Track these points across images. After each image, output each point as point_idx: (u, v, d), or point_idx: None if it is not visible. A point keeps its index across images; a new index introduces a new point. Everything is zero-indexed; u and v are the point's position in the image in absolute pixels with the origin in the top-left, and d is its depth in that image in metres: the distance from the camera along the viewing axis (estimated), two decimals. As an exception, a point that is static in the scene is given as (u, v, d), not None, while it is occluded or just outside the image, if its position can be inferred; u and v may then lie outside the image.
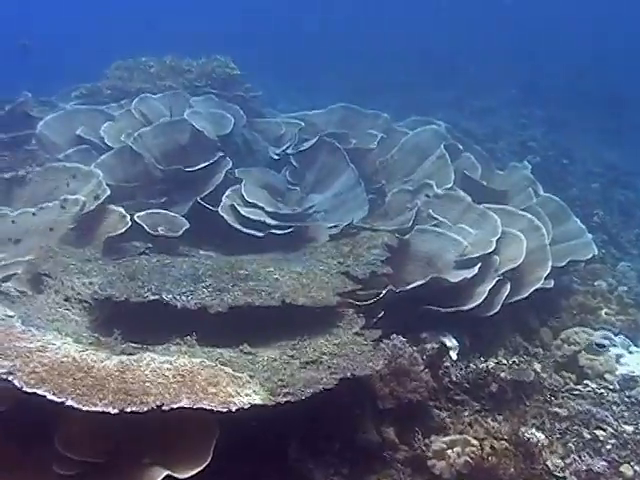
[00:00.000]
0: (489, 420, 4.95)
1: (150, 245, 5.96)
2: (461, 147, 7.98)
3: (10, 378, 3.78)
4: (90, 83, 8.98)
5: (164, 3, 23.89)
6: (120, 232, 5.87)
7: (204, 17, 21.95)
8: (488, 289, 5.66)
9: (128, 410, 3.61)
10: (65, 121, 7.66)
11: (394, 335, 4.94)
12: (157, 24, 20.42)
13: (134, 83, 8.65)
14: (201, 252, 6.18)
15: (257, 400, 3.84)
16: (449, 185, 7.11)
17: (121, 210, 6.11)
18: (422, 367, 4.86)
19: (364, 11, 23.74)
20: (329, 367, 4.26)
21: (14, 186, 6.57)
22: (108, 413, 3.60)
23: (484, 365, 5.38)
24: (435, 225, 6.50)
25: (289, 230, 6.28)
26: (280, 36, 20.57)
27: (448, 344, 5.38)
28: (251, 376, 4.08)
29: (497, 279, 5.79)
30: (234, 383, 3.99)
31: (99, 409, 3.61)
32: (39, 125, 7.49)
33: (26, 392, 3.71)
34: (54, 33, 20.51)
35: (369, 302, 5.24)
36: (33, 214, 5.99)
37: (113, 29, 19.96)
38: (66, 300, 5.00)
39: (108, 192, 6.20)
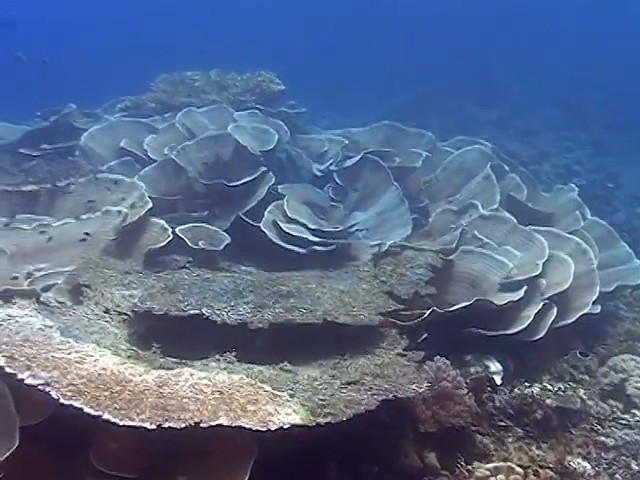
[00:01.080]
0: (534, 448, 4.82)
1: (191, 259, 5.92)
2: (507, 168, 7.85)
3: (47, 389, 3.74)
4: (135, 96, 9.02)
5: (208, 19, 24.00)
6: (161, 245, 5.85)
7: (248, 34, 22.01)
8: (534, 313, 5.53)
9: (165, 426, 3.54)
10: (109, 133, 7.68)
11: (438, 357, 4.84)
12: (202, 39, 20.50)
13: (178, 97, 8.65)
14: (242, 267, 6.12)
15: (297, 420, 3.75)
16: (495, 206, 6.99)
17: (163, 223, 6.08)
18: (466, 391, 4.74)
19: (403, 29, 23.64)
20: (371, 388, 4.15)
21: (57, 196, 6.57)
22: (145, 428, 3.54)
23: (529, 391, 5.25)
24: (480, 246, 6.36)
25: (331, 247, 6.20)
26: (314, 53, 20.57)
27: (492, 368, 5.26)
28: (291, 395, 4.00)
29: (543, 303, 5.66)
30: (274, 401, 3.91)
31: (136, 424, 3.55)
32: (83, 136, 7.52)
33: (63, 404, 3.67)
34: (101, 47, 20.74)
35: (412, 322, 5.14)
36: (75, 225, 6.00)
37: (159, 43, 20.09)
38: (105, 312, 4.96)
39: (150, 204, 6.17)
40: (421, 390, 4.26)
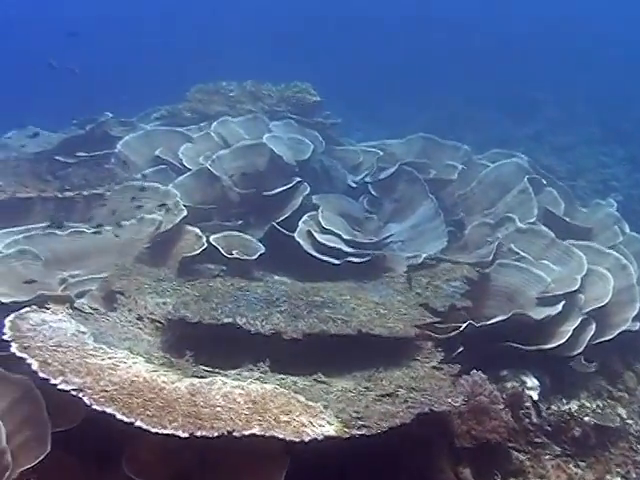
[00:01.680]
0: (571, 466, 4.73)
1: (224, 268, 5.89)
2: (545, 182, 7.75)
3: (80, 395, 3.72)
4: (170, 105, 9.05)
5: (243, 30, 24.08)
6: (195, 253, 5.82)
7: (281, 46, 22.05)
8: (572, 328, 5.42)
9: (198, 434, 3.50)
10: (145, 141, 7.70)
11: (474, 371, 4.76)
12: (237, 50, 20.57)
13: (214, 106, 8.66)
14: (275, 277, 6.07)
15: (331, 431, 3.69)
16: (532, 219, 6.89)
17: (197, 231, 6.07)
18: (502, 406, 4.64)
19: (437, 43, 23.59)
20: (406, 401, 4.09)
21: (92, 203, 6.59)
22: (177, 437, 3.50)
23: (566, 407, 5.15)
24: (517, 260, 6.27)
25: (366, 259, 6.14)
26: (348, 66, 20.53)
27: (529, 383, 5.15)
28: (325, 406, 3.94)
29: (582, 318, 5.55)
30: (307, 412, 3.85)
31: (169, 432, 3.51)
32: (119, 144, 7.53)
33: (95, 410, 3.65)
34: (137, 59, 20.90)
35: (448, 335, 5.06)
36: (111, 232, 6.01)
37: (195, 53, 20.18)
38: (139, 319, 4.95)
39: (185, 212, 6.16)
40: (457, 404, 4.19)
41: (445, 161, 8.25)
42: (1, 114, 11.05)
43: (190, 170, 7.10)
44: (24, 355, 4.09)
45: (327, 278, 5.90)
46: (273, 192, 6.73)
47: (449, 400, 4.13)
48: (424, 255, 6.34)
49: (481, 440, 4.48)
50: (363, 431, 3.73)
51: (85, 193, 6.62)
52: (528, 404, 5.00)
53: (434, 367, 4.58)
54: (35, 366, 3.97)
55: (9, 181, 6.89)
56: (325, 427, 3.72)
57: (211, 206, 6.79)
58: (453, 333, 5.10)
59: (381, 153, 8.10)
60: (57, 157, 7.50)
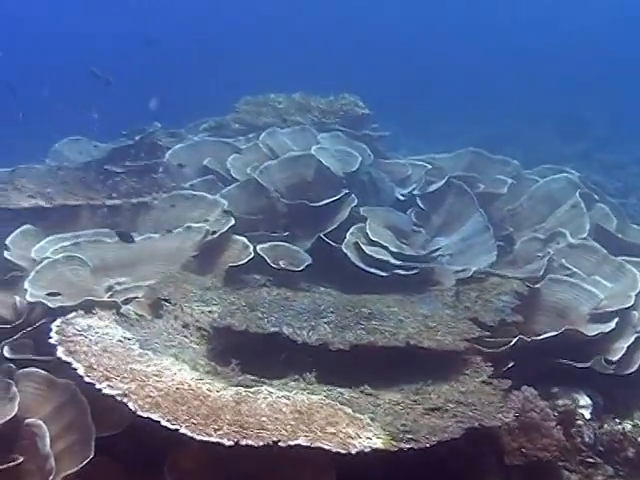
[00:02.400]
0: (624, 487, 4.59)
1: (271, 278, 5.84)
2: (596, 197, 7.62)
3: (125, 400, 3.71)
4: (219, 117, 9.08)
5: (291, 42, 24.23)
6: (242, 262, 5.78)
7: (330, 59, 22.14)
8: (626, 346, 5.29)
9: (243, 443, 3.45)
10: (192, 151, 7.72)
11: (525, 387, 4.65)
12: (285, 62, 20.70)
13: (262, 118, 8.65)
14: (321, 289, 6.02)
15: (378, 444, 3.62)
16: (584, 235, 6.74)
17: (244, 240, 6.04)
18: (554, 423, 4.53)
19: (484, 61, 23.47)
20: (455, 415, 4.00)
21: (140, 212, 6.62)
22: (222, 445, 3.46)
23: (619, 427, 4.97)
24: (568, 275, 6.14)
25: (414, 272, 6.05)
26: (396, 82, 20.52)
27: (581, 401, 5.02)
28: (372, 419, 3.87)
29: (636, 336, 5.41)
30: (354, 424, 3.79)
31: (213, 440, 3.48)
32: (167, 154, 7.57)
33: (140, 416, 3.63)
34: (188, 72, 21.12)
35: (498, 350, 4.96)
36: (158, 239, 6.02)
37: (244, 65, 20.32)
38: (184, 327, 4.92)
39: (232, 221, 6.16)
40: (507, 420, 4.09)
41: (494, 176, 8.14)
42: (49, 124, 11.16)
43: (238, 180, 7.09)
44: (70, 359, 4.09)
45: (374, 290, 5.82)
46: (320, 203, 6.66)
47: (499, 415, 4.03)
48: (473, 269, 6.24)
49: (531, 458, 4.35)
50: (411, 445, 3.65)
51: (133, 201, 6.65)
52: (580, 422, 4.86)
53: (483, 382, 4.47)
54: (81, 371, 3.96)
55: (58, 189, 6.95)
56: (372, 439, 3.65)
57: (258, 216, 6.77)
58: (503, 348, 4.98)
59: (429, 166, 8.00)
60: (106, 166, 7.55)
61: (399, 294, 5.85)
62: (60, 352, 4.17)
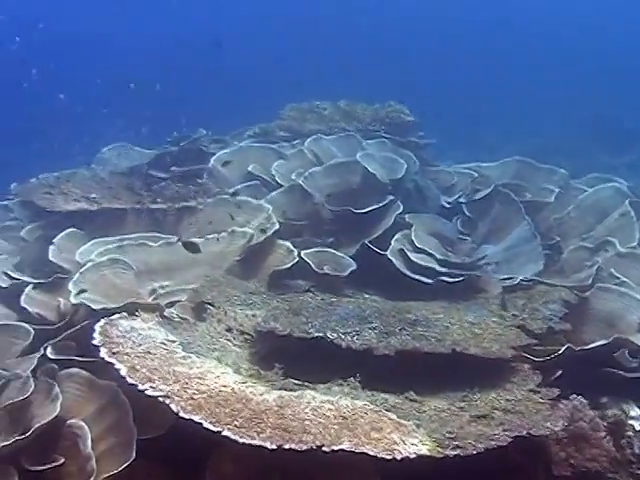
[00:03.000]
0: (675, 500, 4.44)
1: (315, 284, 5.80)
2: (646, 206, 7.47)
3: (167, 402, 3.68)
4: (264, 124, 9.08)
5: (335, 50, 24.23)
6: (286, 267, 5.76)
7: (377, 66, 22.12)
8: (678, 356, 5.15)
9: (286, 447, 3.40)
10: (238, 157, 7.70)
11: (574, 396, 4.53)
12: (331, 70, 20.74)
13: (307, 125, 8.63)
14: (365, 295, 5.97)
15: (424, 450, 3.55)
16: (633, 244, 6.59)
17: (289, 245, 6.01)
18: (603, 434, 4.41)
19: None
20: (502, 423, 3.91)
21: (184, 216, 6.63)
22: (265, 448, 3.41)
23: (670, 440, 4.87)
24: (617, 284, 6.00)
25: (460, 279, 5.97)
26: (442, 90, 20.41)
27: (631, 412, 4.88)
28: (417, 425, 3.80)
29: (688, 346, 5.27)
30: (399, 430, 3.72)
31: (256, 443, 3.43)
32: (212, 159, 7.58)
33: (182, 418, 3.60)
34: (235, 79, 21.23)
35: (546, 359, 4.84)
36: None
37: (288, 73, 20.38)
38: (228, 330, 4.91)
39: (277, 226, 6.14)
40: (557, 429, 3.98)
41: (541, 184, 8.02)
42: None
43: (282, 186, 7.08)
44: (112, 360, 4.08)
45: (419, 297, 5.75)
46: (366, 210, 6.60)
47: (548, 424, 3.93)
48: (520, 277, 6.13)
49: (580, 469, 4.23)
50: (457, 452, 3.58)
51: (177, 206, 6.65)
52: (630, 433, 4.73)
53: (531, 390, 4.37)
54: (123, 372, 3.95)
55: (103, 193, 6.99)
56: (418, 446, 3.58)
57: (302, 222, 6.75)
58: (551, 356, 4.88)
59: (475, 175, 7.92)
60: (151, 172, 7.60)
61: (444, 301, 5.79)
62: (103, 353, 4.17)
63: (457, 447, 3.60)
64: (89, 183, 7.24)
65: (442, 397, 4.33)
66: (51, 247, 6.04)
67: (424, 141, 8.62)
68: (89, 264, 5.52)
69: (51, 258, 5.89)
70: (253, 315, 5.09)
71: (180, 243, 5.96)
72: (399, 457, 3.45)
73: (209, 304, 5.16)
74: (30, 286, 5.68)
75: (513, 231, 7.04)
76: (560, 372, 4.85)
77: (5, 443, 3.96)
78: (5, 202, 7.32)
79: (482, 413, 4.04)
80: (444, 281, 6.00)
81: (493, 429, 3.83)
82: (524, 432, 3.81)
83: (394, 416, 3.87)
